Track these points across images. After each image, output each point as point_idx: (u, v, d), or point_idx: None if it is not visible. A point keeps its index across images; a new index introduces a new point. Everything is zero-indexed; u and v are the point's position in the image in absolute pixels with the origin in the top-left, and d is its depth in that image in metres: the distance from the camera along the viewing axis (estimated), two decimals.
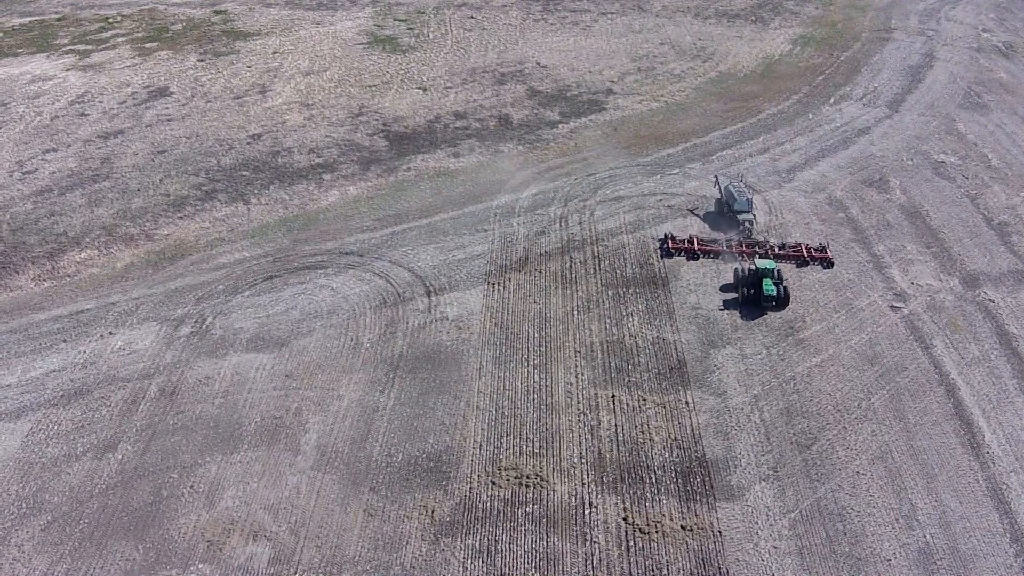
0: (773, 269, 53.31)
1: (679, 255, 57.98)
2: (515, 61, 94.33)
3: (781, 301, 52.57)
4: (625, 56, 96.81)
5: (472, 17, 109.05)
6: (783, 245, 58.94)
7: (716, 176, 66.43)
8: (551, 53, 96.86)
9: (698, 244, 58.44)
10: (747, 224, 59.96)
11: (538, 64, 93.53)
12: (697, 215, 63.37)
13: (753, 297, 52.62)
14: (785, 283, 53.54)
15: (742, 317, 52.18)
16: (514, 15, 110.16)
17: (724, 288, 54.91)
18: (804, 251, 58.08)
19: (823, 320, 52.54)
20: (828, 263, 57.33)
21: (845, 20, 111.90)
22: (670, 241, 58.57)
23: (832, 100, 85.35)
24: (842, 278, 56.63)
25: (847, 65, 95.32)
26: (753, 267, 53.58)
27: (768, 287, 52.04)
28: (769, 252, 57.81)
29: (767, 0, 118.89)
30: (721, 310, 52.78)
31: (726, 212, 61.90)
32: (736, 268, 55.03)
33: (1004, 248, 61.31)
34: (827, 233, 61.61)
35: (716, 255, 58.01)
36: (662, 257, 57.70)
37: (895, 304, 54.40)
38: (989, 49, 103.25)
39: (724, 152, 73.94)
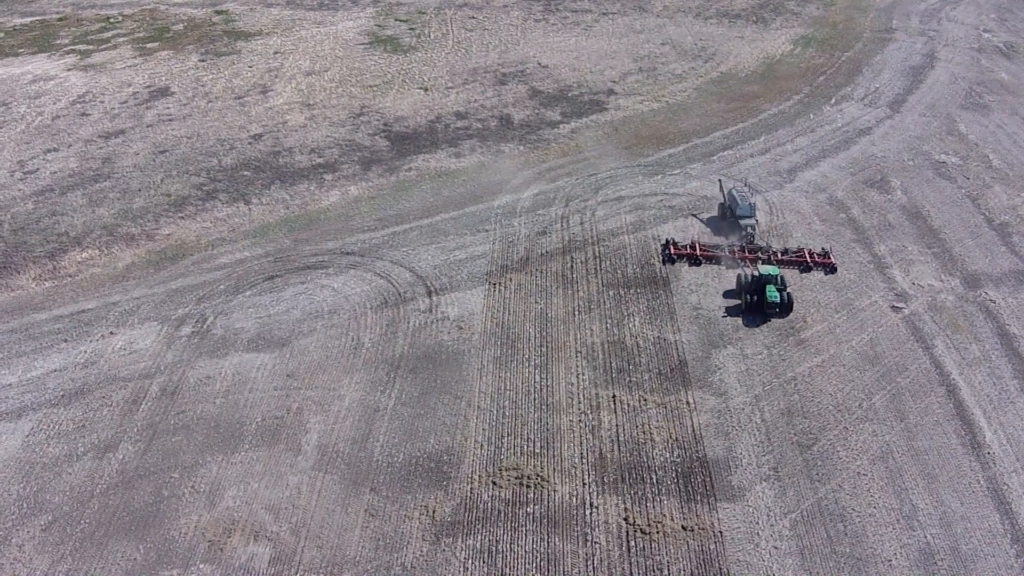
0: (776, 275, 53.00)
1: (681, 261, 57.73)
2: (516, 61, 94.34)
3: (785, 307, 52.22)
4: (626, 56, 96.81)
5: (473, 17, 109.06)
6: (786, 250, 58.59)
7: (720, 180, 66.09)
8: (552, 53, 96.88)
9: (700, 249, 58.04)
10: (749, 229, 59.53)
11: (539, 64, 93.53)
12: (700, 219, 63.17)
13: (756, 304, 52.31)
14: (788, 289, 53.31)
15: (745, 324, 51.92)
16: (515, 15, 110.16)
17: (727, 294, 54.64)
18: (807, 256, 57.72)
19: (824, 320, 52.51)
20: (831, 268, 56.99)
21: (846, 20, 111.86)
22: (672, 247, 58.22)
23: (833, 100, 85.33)
24: (843, 278, 56.60)
25: (848, 65, 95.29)
26: (756, 273, 53.25)
27: (771, 293, 51.69)
28: (772, 257, 57.50)
29: (768, 0, 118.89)
30: (724, 316, 52.50)
31: (728, 216, 61.58)
32: (739, 274, 54.70)
33: (1005, 248, 61.29)
34: (828, 234, 61.59)
35: (718, 261, 57.75)
36: (664, 263, 57.39)
37: (896, 304, 54.38)
38: (990, 49, 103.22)
39: (725, 152, 73.92)
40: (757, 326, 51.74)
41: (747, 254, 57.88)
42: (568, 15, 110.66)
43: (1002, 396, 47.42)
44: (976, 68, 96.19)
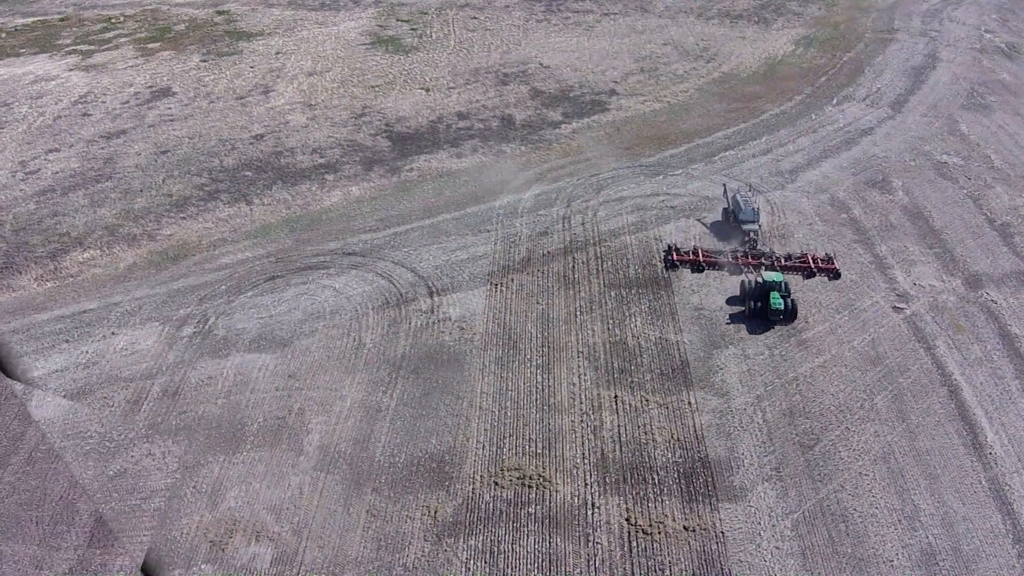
0: (780, 282, 52.71)
1: (684, 267, 57.36)
2: (518, 61, 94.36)
3: (789, 314, 51.81)
4: (628, 57, 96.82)
5: (475, 18, 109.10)
6: (789, 256, 58.15)
7: (724, 185, 65.48)
8: (554, 53, 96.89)
9: (703, 255, 57.69)
10: (752, 234, 59.20)
11: (541, 64, 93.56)
12: (704, 223, 62.91)
13: (760, 310, 52.01)
14: (793, 296, 52.97)
15: (749, 331, 51.66)
16: (517, 15, 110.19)
17: (730, 301, 54.21)
18: (811, 262, 57.18)
19: (826, 321, 52.49)
20: (835, 274, 56.56)
21: (848, 21, 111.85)
22: (674, 253, 57.83)
23: (835, 101, 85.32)
24: (845, 279, 56.55)
25: (850, 66, 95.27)
26: (760, 279, 52.93)
27: (776, 301, 51.34)
28: (775, 263, 57.14)
29: (770, 1, 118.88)
30: (728, 323, 52.22)
31: (732, 221, 61.27)
32: (743, 280, 54.42)
33: (1007, 249, 61.25)
34: (830, 234, 61.55)
35: (721, 266, 57.37)
36: (666, 269, 57.14)
37: (898, 305, 54.36)
38: (992, 50, 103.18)
39: (727, 153, 73.89)
40: (761, 332, 51.55)
41: (750, 260, 57.68)
42: (570, 15, 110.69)
43: (1004, 396, 47.39)
44: (978, 68, 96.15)
